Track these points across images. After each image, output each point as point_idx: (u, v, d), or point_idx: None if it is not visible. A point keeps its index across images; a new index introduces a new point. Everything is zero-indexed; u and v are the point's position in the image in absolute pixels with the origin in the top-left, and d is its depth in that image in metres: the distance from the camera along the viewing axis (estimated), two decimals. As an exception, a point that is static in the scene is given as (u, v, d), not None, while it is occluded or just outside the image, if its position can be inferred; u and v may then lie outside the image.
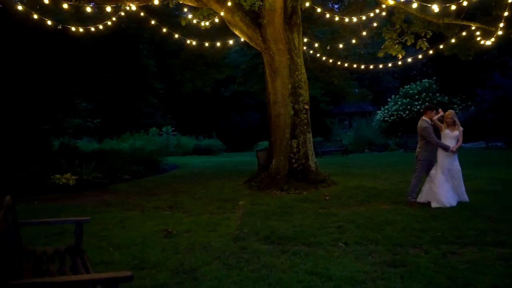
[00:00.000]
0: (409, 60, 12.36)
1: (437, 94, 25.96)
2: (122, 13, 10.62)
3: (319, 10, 9.31)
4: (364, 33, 11.16)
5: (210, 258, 5.04)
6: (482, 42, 10.37)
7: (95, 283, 2.25)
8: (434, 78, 27.03)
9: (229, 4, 8.61)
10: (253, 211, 8.08)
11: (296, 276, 4.39)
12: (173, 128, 35.14)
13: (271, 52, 10.24)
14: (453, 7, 9.47)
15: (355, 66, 13.95)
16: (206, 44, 11.62)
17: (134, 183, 13.23)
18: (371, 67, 13.27)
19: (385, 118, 26.99)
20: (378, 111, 28.51)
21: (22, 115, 18.64)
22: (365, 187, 10.20)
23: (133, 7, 9.66)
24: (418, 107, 25.74)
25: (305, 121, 10.43)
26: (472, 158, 16.87)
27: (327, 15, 9.78)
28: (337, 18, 10.06)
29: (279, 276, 4.41)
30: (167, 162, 20.24)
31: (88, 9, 8.87)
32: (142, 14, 11.18)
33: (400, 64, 32.82)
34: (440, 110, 8.33)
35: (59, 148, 16.54)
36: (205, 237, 6.11)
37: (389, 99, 27.89)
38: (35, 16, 8.18)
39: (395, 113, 26.42)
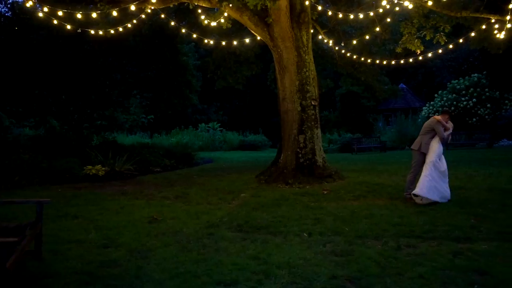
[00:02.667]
0: (430, 55, 12.11)
1: (486, 90, 24.71)
2: (143, 16, 11.38)
3: (319, 8, 9.44)
4: (378, 29, 11.12)
5: (172, 241, 5.53)
6: (498, 35, 10.00)
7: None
8: (485, 72, 25.73)
9: (230, 5, 9.01)
10: (248, 202, 8.47)
11: (235, 260, 4.75)
12: (219, 124, 36.10)
13: (279, 50, 10.53)
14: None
15: (377, 61, 13.83)
16: (223, 43, 12.11)
17: (161, 175, 14.01)
18: (393, 62, 13.10)
19: (430, 115, 26.07)
20: (424, 107, 27.61)
21: (70, 111, 20.28)
22: (370, 183, 10.23)
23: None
24: (464, 103, 24.68)
25: (313, 117, 10.62)
26: (509, 156, 16.11)
27: (329, 13, 9.90)
28: (341, 15, 10.12)
29: (220, 259, 4.79)
30: (202, 156, 21.11)
31: (115, 13, 9.59)
32: (163, 16, 11.89)
33: (450, 57, 31.15)
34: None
35: (98, 142, 17.75)
36: (184, 224, 6.61)
37: (436, 95, 26.92)
38: (54, 22, 9.04)
39: (440, 109, 25.45)
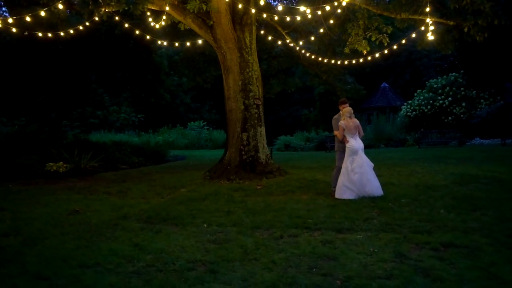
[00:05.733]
0: (377, 55, 12.47)
1: (462, 88, 25.00)
2: (96, 18, 11.81)
3: (253, 10, 9.82)
4: (322, 30, 11.51)
5: (72, 231, 5.96)
6: (430, 37, 10.35)
7: None
8: (462, 71, 26.01)
9: (167, 8, 9.41)
10: (179, 197, 8.91)
11: (115, 246, 5.17)
12: (205, 123, 36.60)
13: (222, 51, 10.95)
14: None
15: (333, 61, 14.21)
16: (176, 44, 12.55)
17: (123, 172, 14.47)
18: (346, 62, 13.48)
19: (408, 113, 26.45)
20: (402, 106, 27.94)
21: (47, 110, 20.79)
22: (308, 179, 10.61)
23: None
24: (441, 101, 24.99)
25: (256, 115, 11.03)
26: (468, 154, 16.41)
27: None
28: (277, 17, 10.51)
29: (103, 246, 5.22)
30: (177, 154, 21.62)
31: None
32: (117, 18, 12.30)
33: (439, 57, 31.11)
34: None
35: (71, 140, 18.19)
36: (100, 215, 7.04)
37: (415, 94, 27.26)
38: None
39: (417, 108, 25.83)
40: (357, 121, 8.34)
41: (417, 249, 5.07)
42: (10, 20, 10.23)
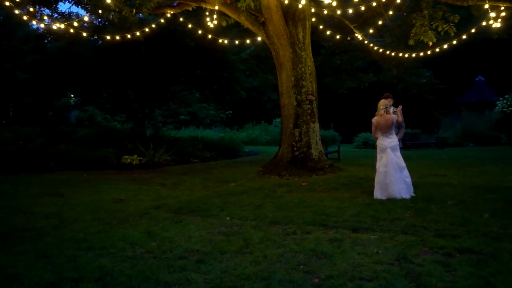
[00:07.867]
0: (445, 46, 11.59)
1: None
2: (162, 20, 12.57)
3: (300, 6, 9.60)
4: (380, 22, 10.98)
5: (104, 217, 6.48)
6: (496, 25, 9.36)
7: None
8: None
9: (217, 7, 9.70)
10: (224, 190, 9.18)
11: (129, 233, 5.54)
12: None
13: (275, 47, 10.98)
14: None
15: (400, 54, 13.47)
16: (236, 42, 12.86)
17: (191, 165, 15.23)
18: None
19: (504, 109, 24.03)
20: (498, 102, 25.41)
21: (135, 107, 22.50)
22: (358, 177, 10.23)
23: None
24: (543, 96, 22.37)
25: (309, 111, 10.91)
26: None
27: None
28: (327, 11, 10.20)
29: (119, 232, 5.61)
30: (252, 149, 22.13)
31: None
32: (181, 19, 12.96)
33: None
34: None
35: (152, 135, 19.45)
36: (138, 205, 7.55)
37: (513, 87, 24.71)
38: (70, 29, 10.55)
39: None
40: (393, 117, 7.89)
41: (428, 254, 4.74)
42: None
